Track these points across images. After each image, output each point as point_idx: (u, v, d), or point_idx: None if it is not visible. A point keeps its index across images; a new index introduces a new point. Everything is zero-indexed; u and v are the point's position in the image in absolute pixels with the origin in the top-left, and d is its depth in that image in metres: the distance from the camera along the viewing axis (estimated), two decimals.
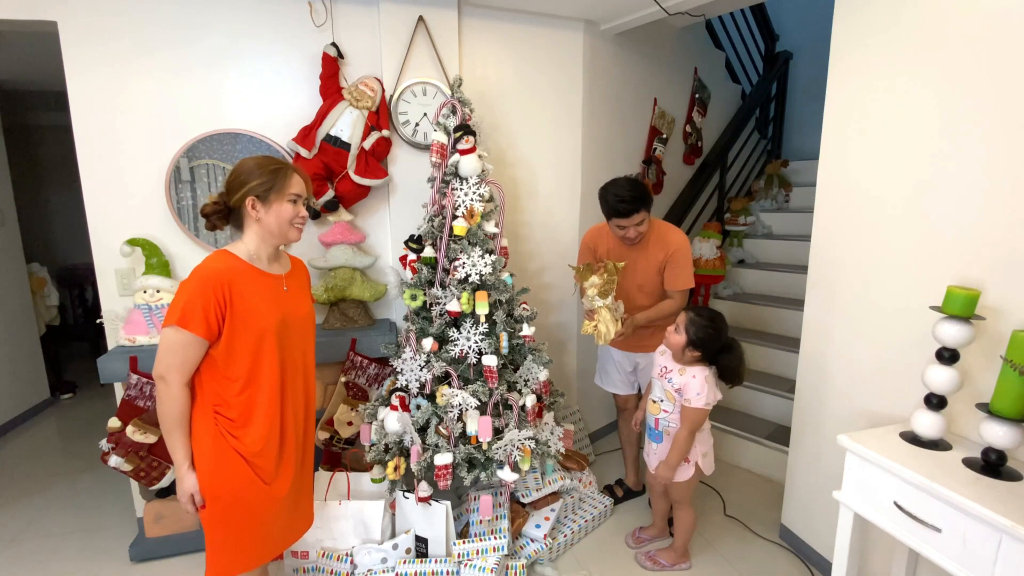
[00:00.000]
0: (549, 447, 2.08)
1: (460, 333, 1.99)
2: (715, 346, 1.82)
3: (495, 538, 1.97)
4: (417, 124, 2.35)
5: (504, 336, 1.99)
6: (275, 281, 1.45)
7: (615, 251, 2.22)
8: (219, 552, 1.41)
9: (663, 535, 2.27)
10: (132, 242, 2.02)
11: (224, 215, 1.41)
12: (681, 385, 1.84)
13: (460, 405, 1.91)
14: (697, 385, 1.81)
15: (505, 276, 2.09)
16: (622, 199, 2.00)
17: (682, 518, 2.07)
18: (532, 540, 2.13)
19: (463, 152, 2.00)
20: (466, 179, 2.03)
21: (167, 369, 1.31)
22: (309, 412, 1.59)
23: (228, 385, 1.37)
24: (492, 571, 1.84)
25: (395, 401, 1.95)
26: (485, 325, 1.97)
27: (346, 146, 2.18)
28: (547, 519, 2.19)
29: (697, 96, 3.69)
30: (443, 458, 1.85)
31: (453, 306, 1.96)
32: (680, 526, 2.09)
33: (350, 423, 2.20)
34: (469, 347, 1.98)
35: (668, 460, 1.91)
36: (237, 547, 1.42)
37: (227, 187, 1.41)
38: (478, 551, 1.94)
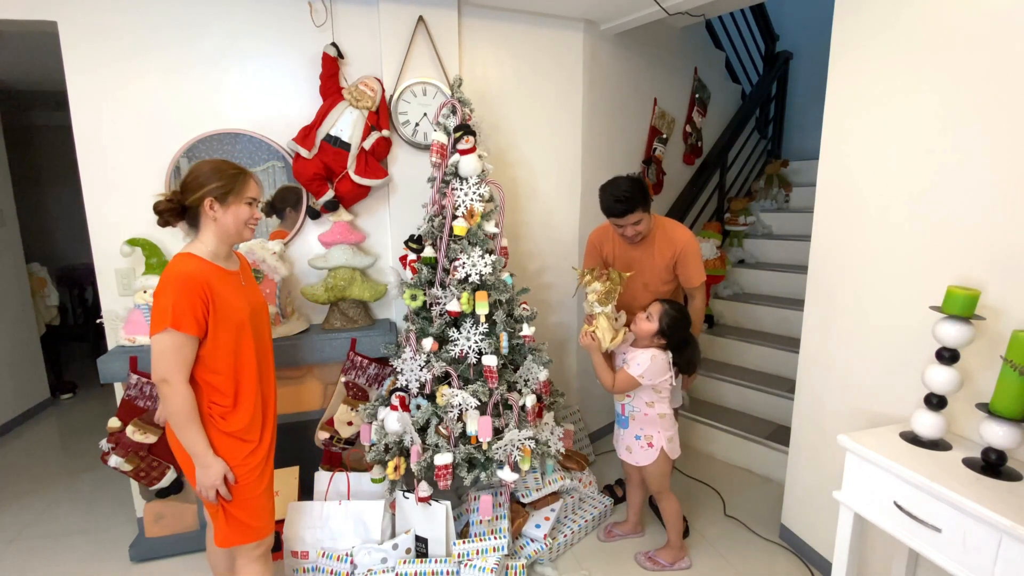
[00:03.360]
0: (549, 447, 2.08)
1: (460, 333, 1.99)
2: (680, 336, 1.94)
3: (495, 538, 1.97)
4: (417, 124, 2.35)
5: (504, 336, 1.99)
6: (234, 277, 1.55)
7: (621, 250, 2.21)
8: (242, 525, 1.51)
9: (636, 531, 2.29)
10: (132, 242, 2.02)
11: (178, 213, 1.46)
12: (630, 357, 1.94)
13: (460, 405, 1.91)
14: (642, 360, 1.90)
15: (505, 276, 2.09)
16: (617, 199, 1.99)
17: (666, 508, 2.08)
18: (532, 540, 2.13)
19: (463, 152, 2.00)
20: (466, 179, 2.03)
21: (169, 371, 1.37)
22: (273, 378, 1.71)
23: (215, 377, 1.46)
24: (492, 571, 1.84)
25: (395, 401, 1.95)
26: (485, 325, 1.97)
27: (346, 146, 2.18)
28: (547, 519, 2.19)
29: (697, 96, 3.69)
30: (443, 458, 1.85)
31: (453, 306, 1.96)
32: (666, 517, 2.09)
33: (350, 423, 2.19)
34: (469, 347, 1.98)
35: (595, 360, 1.99)
36: (258, 513, 1.54)
37: (184, 187, 1.46)
38: (478, 551, 1.94)
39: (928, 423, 1.45)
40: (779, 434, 2.79)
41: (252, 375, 1.53)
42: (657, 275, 2.18)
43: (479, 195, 2.02)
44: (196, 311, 1.37)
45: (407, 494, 2.00)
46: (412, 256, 2.08)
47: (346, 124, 2.17)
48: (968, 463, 1.36)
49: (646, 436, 1.99)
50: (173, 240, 2.12)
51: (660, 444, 1.98)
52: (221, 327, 1.44)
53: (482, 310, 1.95)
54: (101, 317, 2.09)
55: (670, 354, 1.95)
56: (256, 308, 1.58)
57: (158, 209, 1.44)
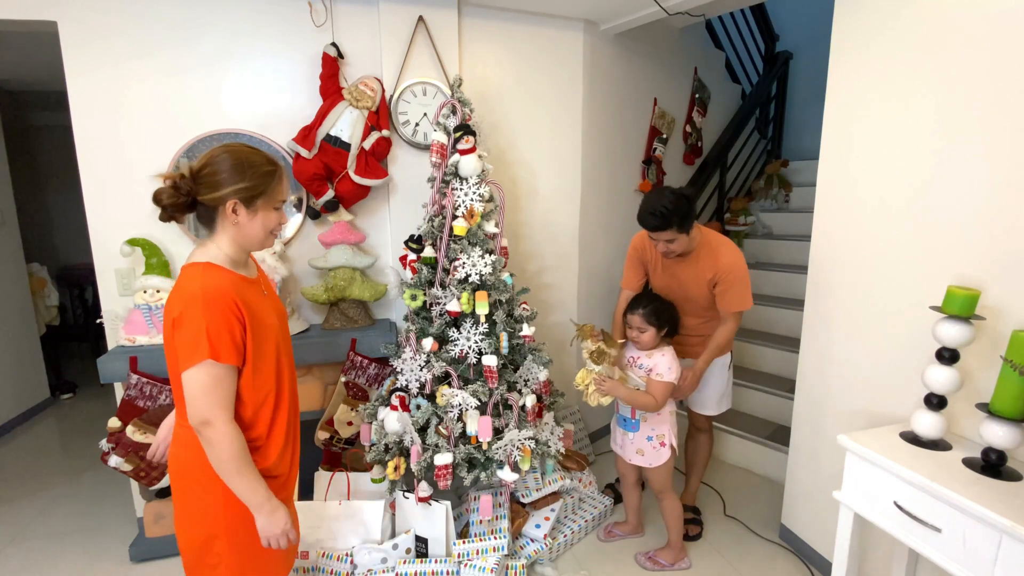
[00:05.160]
0: (549, 447, 2.08)
1: (460, 333, 1.99)
2: (668, 316, 1.96)
3: (495, 538, 1.97)
4: (417, 124, 2.35)
5: (504, 336, 1.98)
6: (255, 286, 1.28)
7: (663, 259, 2.08)
8: (270, 567, 1.33)
9: (637, 531, 2.29)
10: (132, 242, 2.02)
11: (185, 207, 1.17)
12: (652, 365, 1.93)
13: (460, 405, 1.91)
14: (667, 361, 1.92)
15: (505, 276, 2.09)
16: (652, 212, 1.81)
17: (668, 508, 2.07)
18: (532, 540, 2.13)
19: (463, 152, 2.00)
20: (466, 179, 2.03)
21: (210, 411, 1.12)
22: (296, 397, 1.47)
23: (247, 410, 1.22)
24: (492, 571, 1.84)
25: (395, 401, 1.95)
26: (485, 325, 1.97)
27: (346, 146, 2.18)
28: (547, 519, 2.19)
29: (697, 96, 3.69)
30: (443, 458, 1.85)
31: (453, 306, 1.96)
32: (668, 517, 2.09)
33: (350, 423, 2.20)
34: (469, 347, 1.98)
35: (625, 397, 1.92)
36: (283, 553, 1.33)
37: (198, 178, 1.15)
38: (478, 551, 1.94)
39: (928, 423, 1.45)
40: (779, 434, 2.79)
41: (286, 397, 1.29)
42: (700, 290, 2.03)
43: (479, 195, 2.02)
44: (234, 335, 1.13)
45: (407, 494, 2.00)
46: (412, 256, 2.08)
47: (346, 124, 2.17)
48: (968, 463, 1.36)
49: (658, 436, 1.99)
50: (173, 240, 2.13)
51: (670, 442, 1.99)
52: (260, 349, 1.20)
53: (482, 310, 1.95)
54: (101, 317, 2.09)
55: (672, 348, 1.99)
56: (280, 319, 1.34)
57: (160, 201, 1.13)
